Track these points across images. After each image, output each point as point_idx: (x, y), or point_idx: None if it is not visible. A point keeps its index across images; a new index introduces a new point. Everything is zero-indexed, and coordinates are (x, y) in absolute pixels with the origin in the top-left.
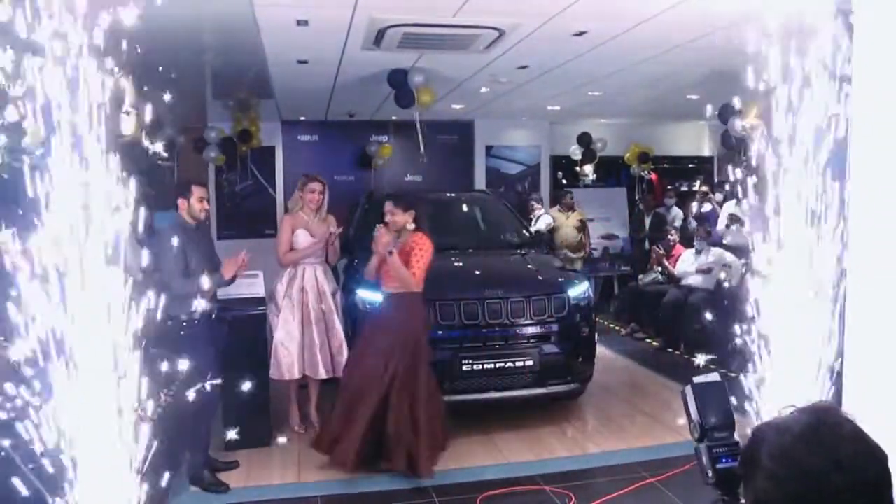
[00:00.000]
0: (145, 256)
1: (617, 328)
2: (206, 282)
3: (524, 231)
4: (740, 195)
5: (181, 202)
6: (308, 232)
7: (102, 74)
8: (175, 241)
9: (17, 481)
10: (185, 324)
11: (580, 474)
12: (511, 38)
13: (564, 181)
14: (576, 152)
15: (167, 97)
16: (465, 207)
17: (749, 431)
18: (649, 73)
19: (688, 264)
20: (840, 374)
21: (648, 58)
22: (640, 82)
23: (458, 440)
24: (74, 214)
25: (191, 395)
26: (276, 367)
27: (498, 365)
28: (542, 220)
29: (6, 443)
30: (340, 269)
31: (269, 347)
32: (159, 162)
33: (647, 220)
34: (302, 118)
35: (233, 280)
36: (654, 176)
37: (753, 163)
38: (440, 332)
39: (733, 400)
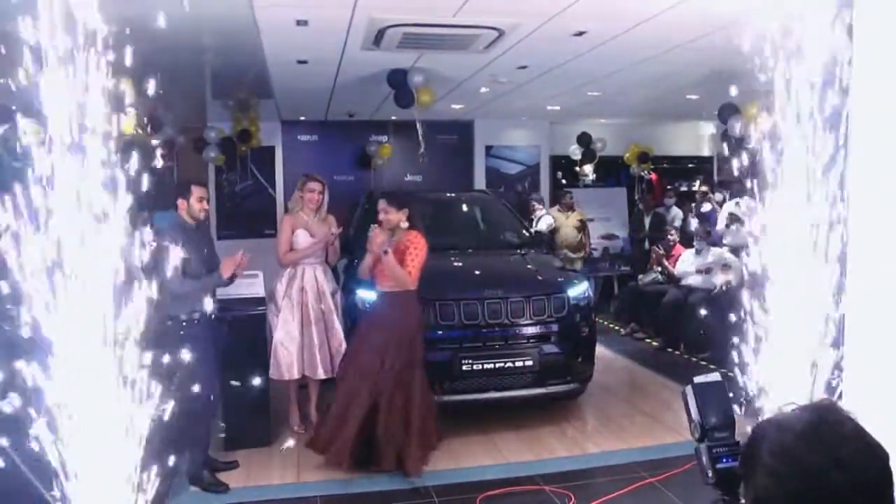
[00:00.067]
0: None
1: (617, 328)
2: (205, 283)
3: (524, 231)
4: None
5: (181, 202)
6: (308, 232)
7: (102, 74)
8: (174, 241)
9: (16, 482)
10: (184, 324)
11: (580, 474)
12: (511, 38)
13: (564, 181)
14: (575, 152)
15: (167, 97)
16: (464, 207)
17: (749, 430)
18: (649, 73)
19: (687, 264)
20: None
21: (648, 58)
22: (640, 82)
23: (458, 440)
24: (74, 214)
25: (190, 395)
26: (276, 367)
27: (498, 365)
28: (544, 220)
29: (5, 443)
30: (340, 269)
31: (270, 347)
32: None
33: (647, 220)
34: (302, 118)
35: (232, 280)
36: (653, 176)
37: (753, 162)
38: (440, 332)
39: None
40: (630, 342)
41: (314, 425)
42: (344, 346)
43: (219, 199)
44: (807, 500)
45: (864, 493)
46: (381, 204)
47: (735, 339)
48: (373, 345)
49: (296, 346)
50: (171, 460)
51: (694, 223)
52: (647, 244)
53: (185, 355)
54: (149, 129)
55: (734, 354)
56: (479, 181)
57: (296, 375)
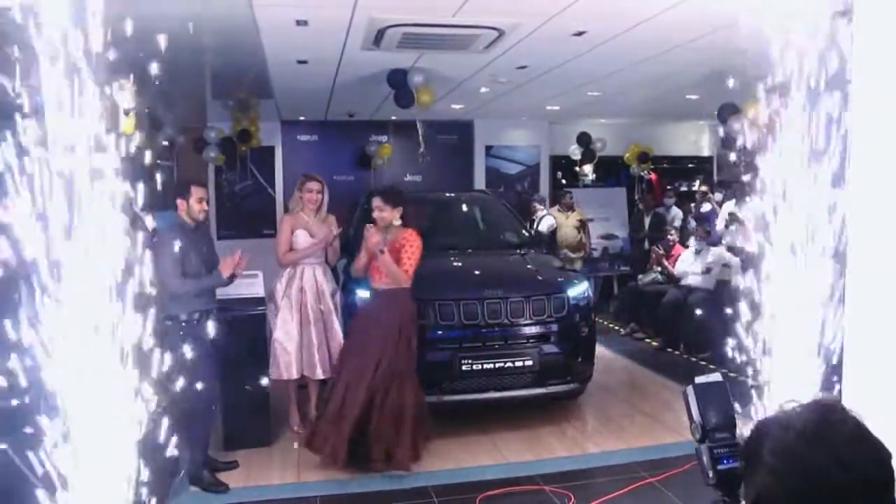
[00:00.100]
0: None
1: (616, 328)
2: (204, 283)
3: (524, 231)
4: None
5: (180, 203)
6: (308, 232)
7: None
8: (174, 241)
9: (15, 481)
10: (184, 324)
11: (579, 474)
12: (510, 38)
13: (564, 181)
14: (575, 152)
15: (166, 97)
16: (464, 207)
17: (748, 428)
18: (649, 73)
19: (687, 264)
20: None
21: (648, 58)
22: (640, 82)
23: (458, 440)
24: (74, 214)
25: (190, 395)
26: (275, 366)
27: (497, 365)
28: (545, 221)
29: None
30: (340, 269)
31: (269, 347)
32: (158, 162)
33: (647, 220)
34: (301, 118)
35: (232, 279)
36: (653, 176)
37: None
38: (440, 332)
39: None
40: (630, 342)
41: (311, 424)
42: None
43: (218, 199)
44: (808, 499)
45: (866, 493)
46: (376, 202)
47: (734, 339)
48: (369, 342)
49: (294, 346)
50: (171, 460)
51: (692, 223)
52: (646, 244)
53: (185, 355)
54: (149, 129)
55: (734, 353)
56: (479, 181)
57: (294, 375)
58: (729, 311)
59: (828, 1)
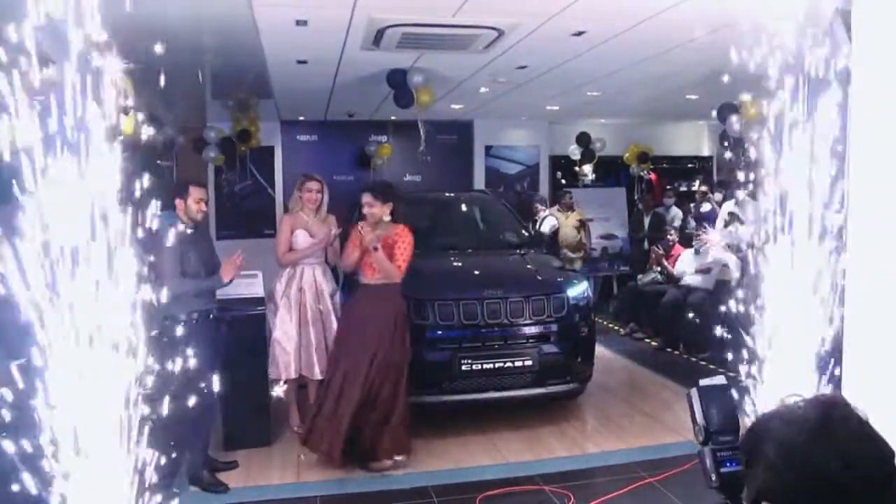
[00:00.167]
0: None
1: (616, 328)
2: (202, 283)
3: (523, 231)
4: (739, 194)
5: (178, 203)
6: (308, 232)
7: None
8: (172, 241)
9: (14, 481)
10: (183, 324)
11: (579, 474)
12: (510, 38)
13: (563, 181)
14: (575, 152)
15: (166, 97)
16: (464, 207)
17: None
18: (649, 73)
19: (687, 264)
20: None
21: (648, 58)
22: (639, 82)
23: (458, 440)
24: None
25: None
26: (274, 366)
27: (497, 365)
28: (547, 221)
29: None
30: (340, 269)
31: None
32: (158, 161)
33: (647, 220)
34: (301, 118)
35: (231, 280)
36: (653, 176)
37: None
38: (439, 332)
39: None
40: (629, 342)
41: (308, 422)
42: None
43: (218, 199)
44: (808, 495)
45: (867, 491)
46: (366, 197)
47: (735, 338)
48: (364, 338)
49: (293, 345)
50: (171, 461)
51: (692, 223)
52: (646, 244)
53: (184, 355)
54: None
55: (734, 353)
56: (479, 181)
57: (293, 375)
58: (728, 309)
59: (828, 1)
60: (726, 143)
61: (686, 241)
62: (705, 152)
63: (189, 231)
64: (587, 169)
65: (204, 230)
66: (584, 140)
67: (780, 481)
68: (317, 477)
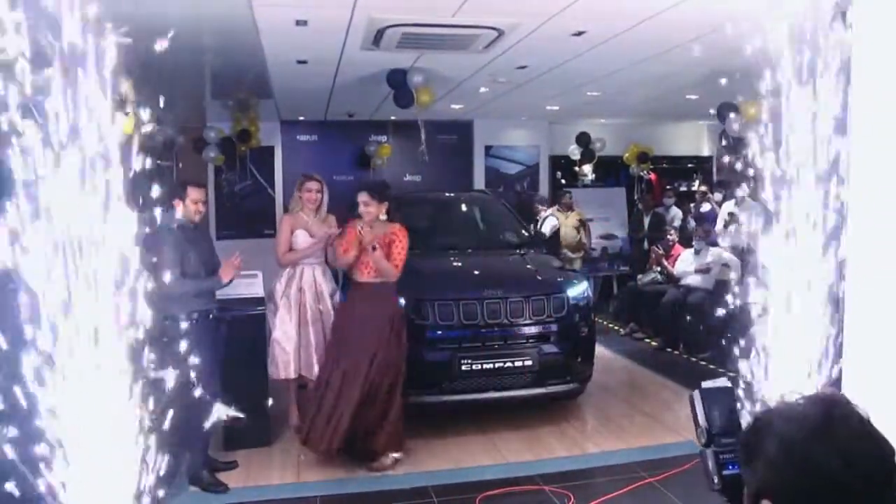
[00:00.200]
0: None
1: (616, 328)
2: (202, 283)
3: (523, 231)
4: (739, 195)
5: (177, 203)
6: (307, 232)
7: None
8: (172, 241)
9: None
10: (182, 324)
11: (579, 474)
12: (510, 38)
13: (563, 181)
14: (574, 152)
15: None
16: (464, 207)
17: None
18: (649, 73)
19: (687, 264)
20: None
21: (648, 57)
22: (639, 82)
23: (457, 440)
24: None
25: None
26: (273, 366)
27: (497, 365)
28: (548, 222)
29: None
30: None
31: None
32: (158, 162)
33: (646, 220)
34: (301, 118)
35: (230, 281)
36: (652, 176)
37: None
38: (439, 332)
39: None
40: (629, 342)
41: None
42: None
43: (218, 199)
44: (807, 493)
45: (867, 489)
46: (363, 197)
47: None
48: (362, 336)
49: (292, 345)
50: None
51: (692, 223)
52: (646, 244)
53: (184, 355)
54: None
55: (734, 353)
56: (479, 181)
57: (292, 375)
58: (727, 309)
59: (828, 1)
60: (724, 144)
61: (686, 241)
62: (705, 152)
63: (188, 231)
64: (587, 169)
65: (204, 230)
66: (583, 140)
67: (780, 479)
68: (317, 477)
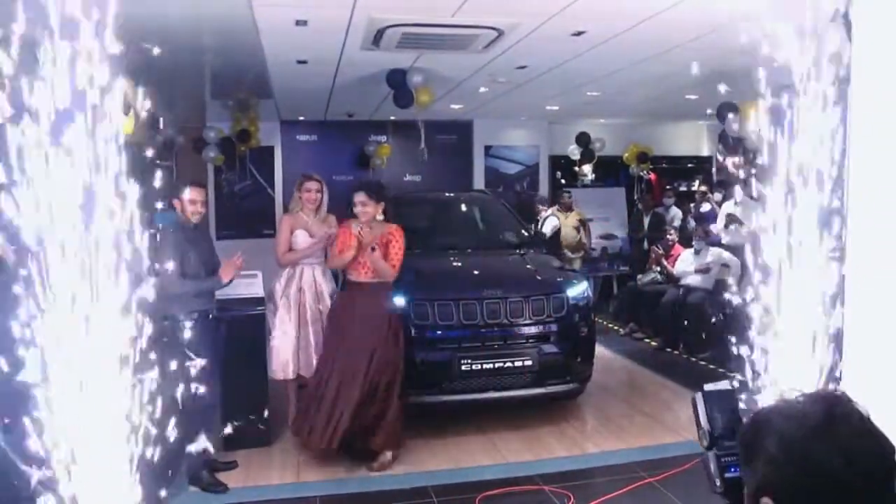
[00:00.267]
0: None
1: (616, 328)
2: (202, 283)
3: (523, 231)
4: (738, 195)
5: (176, 203)
6: (307, 232)
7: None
8: (171, 241)
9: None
10: (182, 324)
11: (579, 474)
12: (510, 38)
13: (563, 181)
14: (574, 152)
15: (166, 98)
16: (463, 207)
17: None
18: (649, 73)
19: (686, 264)
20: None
21: (648, 57)
22: (639, 82)
23: (457, 440)
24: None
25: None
26: (272, 366)
27: (497, 365)
28: (549, 222)
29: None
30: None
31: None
32: (158, 161)
33: (646, 220)
34: (301, 118)
35: (230, 281)
36: (652, 176)
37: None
38: (439, 332)
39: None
40: (629, 342)
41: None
42: None
43: (218, 199)
44: (812, 492)
45: (867, 487)
46: (360, 196)
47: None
48: (361, 336)
49: (291, 345)
50: (170, 461)
51: (692, 223)
52: (645, 244)
53: (184, 355)
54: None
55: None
56: (479, 181)
57: (290, 375)
58: (727, 308)
59: (828, 1)
60: (721, 145)
61: (686, 241)
62: (705, 152)
63: (188, 231)
64: (587, 169)
65: (204, 230)
66: (583, 140)
67: (781, 476)
68: (317, 477)
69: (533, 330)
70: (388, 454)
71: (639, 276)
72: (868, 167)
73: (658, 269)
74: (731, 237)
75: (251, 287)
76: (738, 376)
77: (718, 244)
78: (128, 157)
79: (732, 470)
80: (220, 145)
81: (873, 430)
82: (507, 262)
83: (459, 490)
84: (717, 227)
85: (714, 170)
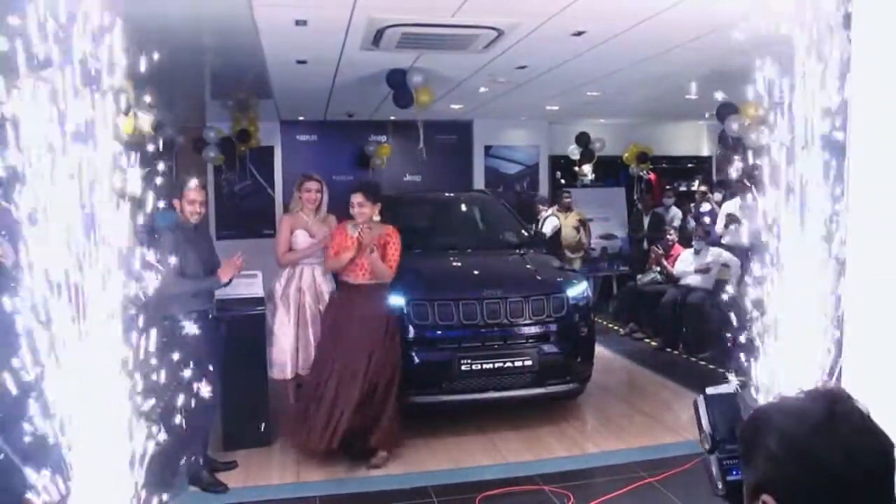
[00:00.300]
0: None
1: (616, 328)
2: (201, 283)
3: (523, 231)
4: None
5: (176, 203)
6: (307, 232)
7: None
8: (171, 241)
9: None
10: (181, 324)
11: (579, 474)
12: (510, 38)
13: (563, 181)
14: (574, 152)
15: (166, 97)
16: (463, 207)
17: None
18: (649, 73)
19: (686, 264)
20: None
21: (648, 57)
22: (639, 82)
23: (457, 440)
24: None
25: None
26: (272, 366)
27: (497, 365)
28: (549, 222)
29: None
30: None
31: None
32: (156, 161)
33: (646, 220)
34: (301, 118)
35: (229, 280)
36: (652, 176)
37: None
38: (439, 332)
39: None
40: (629, 342)
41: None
42: None
43: (218, 199)
44: (812, 489)
45: (867, 483)
46: (358, 197)
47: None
48: (360, 337)
49: (291, 345)
50: (170, 461)
51: (692, 223)
52: (645, 244)
53: (183, 355)
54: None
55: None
56: (479, 181)
57: (289, 375)
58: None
59: (828, 1)
60: (721, 144)
61: (686, 241)
62: (705, 152)
63: (188, 231)
64: (587, 169)
65: (204, 230)
66: (583, 140)
67: (781, 473)
68: (316, 477)
69: (533, 330)
70: (384, 453)
71: (639, 276)
72: (868, 167)
73: (658, 269)
74: (731, 237)
75: (251, 287)
76: (739, 377)
77: (718, 244)
78: (128, 157)
79: (734, 473)
80: (220, 145)
81: (873, 428)
82: (507, 262)
83: (459, 490)
84: (717, 227)
85: (714, 170)
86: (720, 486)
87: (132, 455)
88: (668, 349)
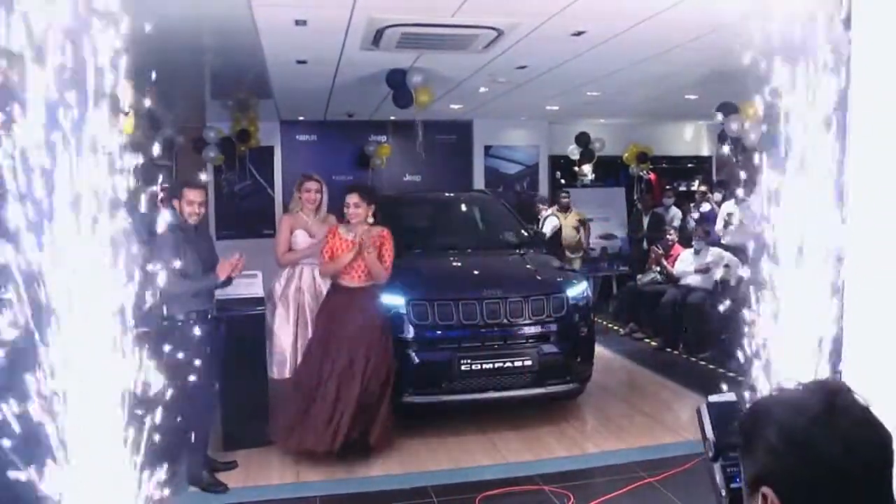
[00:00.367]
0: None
1: (616, 328)
2: (199, 282)
3: (523, 231)
4: (739, 194)
5: (176, 203)
6: (307, 232)
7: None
8: (171, 241)
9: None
10: (181, 324)
11: (579, 474)
12: (510, 38)
13: (563, 181)
14: (574, 152)
15: (166, 97)
16: (463, 207)
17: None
18: (649, 73)
19: (686, 264)
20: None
21: (648, 57)
22: (639, 82)
23: (457, 440)
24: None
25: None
26: (272, 366)
27: (497, 365)
28: (549, 222)
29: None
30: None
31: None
32: (156, 162)
33: (646, 220)
34: (301, 118)
35: (229, 281)
36: (652, 176)
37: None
38: (439, 332)
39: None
40: (629, 342)
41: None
42: None
43: (218, 200)
44: (812, 481)
45: (866, 476)
46: (354, 198)
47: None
48: (358, 338)
49: (289, 345)
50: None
51: (692, 223)
52: (645, 244)
53: (183, 355)
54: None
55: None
56: (478, 181)
57: (287, 375)
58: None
59: (827, 1)
60: (720, 143)
61: (686, 241)
62: (705, 152)
63: (188, 231)
64: (586, 169)
65: (204, 231)
66: (583, 140)
67: (781, 465)
68: (316, 477)
69: (533, 330)
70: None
71: (638, 276)
72: (868, 167)
73: (658, 269)
74: (731, 237)
75: (251, 287)
76: (737, 375)
77: (718, 244)
78: (127, 157)
79: (738, 480)
80: (220, 145)
81: (873, 420)
82: (506, 262)
83: (459, 490)
84: (717, 227)
85: (714, 170)
86: (724, 493)
87: (132, 455)
88: (668, 349)
